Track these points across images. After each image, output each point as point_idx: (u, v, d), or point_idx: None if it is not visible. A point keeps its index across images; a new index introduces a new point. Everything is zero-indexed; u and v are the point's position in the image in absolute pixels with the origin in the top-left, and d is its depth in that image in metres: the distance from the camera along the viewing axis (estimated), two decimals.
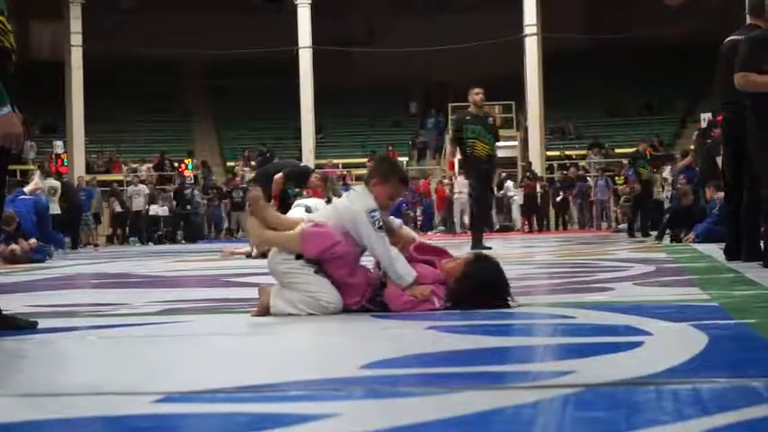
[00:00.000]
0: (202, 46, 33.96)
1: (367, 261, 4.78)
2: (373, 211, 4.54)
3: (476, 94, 13.05)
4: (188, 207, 27.24)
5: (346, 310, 4.60)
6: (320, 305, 4.52)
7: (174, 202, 27.33)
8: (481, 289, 4.56)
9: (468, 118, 12.96)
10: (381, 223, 4.55)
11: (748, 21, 8.07)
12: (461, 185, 28.38)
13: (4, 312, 4.40)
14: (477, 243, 12.47)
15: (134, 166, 31.52)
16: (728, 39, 8.12)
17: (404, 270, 4.56)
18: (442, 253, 4.82)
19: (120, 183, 29.97)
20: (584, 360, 2.97)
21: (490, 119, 13.36)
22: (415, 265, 4.64)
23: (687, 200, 14.33)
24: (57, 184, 20.03)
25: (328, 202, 10.00)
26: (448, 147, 13.41)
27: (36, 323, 4.34)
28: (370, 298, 4.60)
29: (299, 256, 4.56)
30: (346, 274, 4.54)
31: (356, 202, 4.62)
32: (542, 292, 5.89)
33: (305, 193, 13.22)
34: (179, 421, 2.36)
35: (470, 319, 4.21)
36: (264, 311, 4.60)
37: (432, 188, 29.86)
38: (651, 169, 19.04)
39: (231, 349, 3.74)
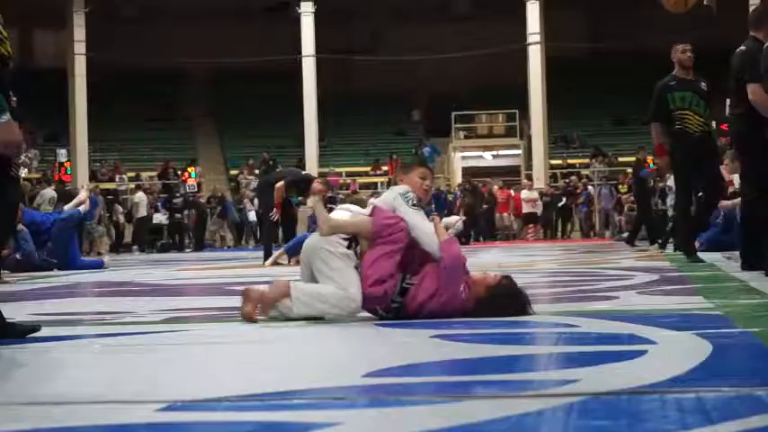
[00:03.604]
0: (205, 54, 34.01)
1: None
2: (405, 192, 4.88)
3: (681, 52, 9.83)
4: (177, 216, 27.10)
5: (346, 318, 4.62)
6: (346, 301, 4.61)
7: (167, 211, 27.11)
8: (507, 298, 4.74)
9: (672, 83, 9.73)
10: (415, 201, 4.86)
11: (750, 33, 8.06)
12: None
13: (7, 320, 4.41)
14: (685, 247, 9.85)
15: (131, 174, 31.56)
16: (738, 50, 8.11)
17: (435, 244, 4.74)
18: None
19: (112, 192, 29.82)
20: (587, 369, 2.97)
21: (703, 83, 9.80)
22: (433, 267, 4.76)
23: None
24: (53, 194, 19.92)
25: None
26: (652, 130, 9.96)
27: (39, 326, 4.37)
28: (387, 305, 4.64)
29: (349, 246, 4.72)
30: (387, 256, 4.66)
31: (392, 191, 5.00)
32: (546, 301, 5.89)
33: (308, 200, 13.21)
34: (183, 430, 2.37)
35: (474, 328, 4.21)
36: (265, 309, 4.73)
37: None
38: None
39: (235, 358, 3.74)
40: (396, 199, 4.83)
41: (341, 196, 28.84)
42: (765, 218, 7.39)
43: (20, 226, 12.32)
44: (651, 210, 18.33)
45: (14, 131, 4.11)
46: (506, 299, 4.73)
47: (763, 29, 7.81)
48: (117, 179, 31.37)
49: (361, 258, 4.71)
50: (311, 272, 4.78)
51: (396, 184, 5.12)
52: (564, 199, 28.35)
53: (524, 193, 28.67)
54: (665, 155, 9.81)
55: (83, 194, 14.45)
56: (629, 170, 22.58)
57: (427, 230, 4.76)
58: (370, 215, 4.83)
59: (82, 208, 13.88)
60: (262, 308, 4.74)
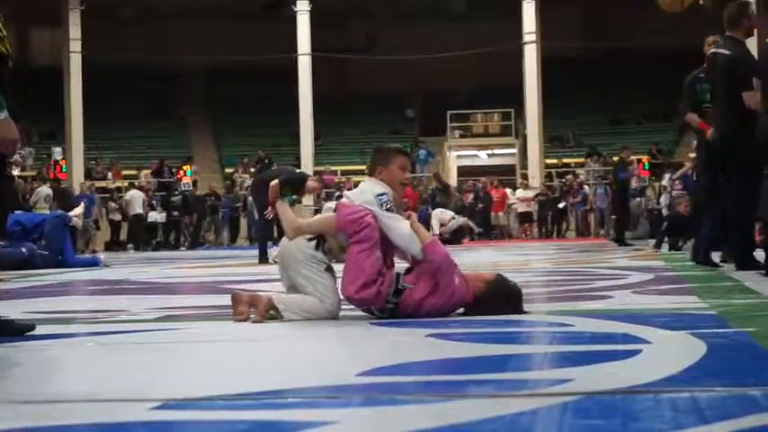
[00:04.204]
0: (201, 53, 33.96)
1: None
2: (381, 194, 4.75)
3: (709, 45, 9.22)
4: (174, 213, 27.04)
5: (345, 316, 4.62)
6: (327, 310, 4.62)
7: (164, 210, 27.05)
8: (504, 298, 4.74)
9: (701, 75, 9.25)
10: (390, 205, 4.74)
11: (726, 33, 8.08)
12: None
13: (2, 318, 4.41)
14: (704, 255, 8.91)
15: (126, 172, 31.47)
16: (711, 51, 8.17)
17: (416, 246, 4.66)
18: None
19: (104, 189, 29.73)
20: (582, 368, 2.97)
21: None
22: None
23: (684, 208, 14.31)
24: (48, 191, 19.97)
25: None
26: (689, 120, 9.28)
27: (34, 324, 4.37)
28: (382, 305, 4.63)
29: (317, 246, 4.68)
30: (364, 255, 4.59)
31: (366, 191, 4.83)
32: (540, 300, 5.89)
33: (303, 199, 13.20)
34: (177, 428, 2.36)
35: (469, 327, 4.21)
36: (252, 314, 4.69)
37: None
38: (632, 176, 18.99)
39: (229, 356, 3.74)
40: (370, 202, 4.72)
41: (339, 194, 28.78)
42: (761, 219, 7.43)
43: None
44: (628, 211, 18.55)
45: (12, 129, 4.11)
46: (504, 296, 4.74)
47: (739, 28, 7.87)
48: (108, 176, 31.28)
49: (329, 254, 4.70)
50: (289, 276, 4.79)
51: (373, 174, 4.97)
52: (563, 202, 28.32)
53: (519, 193, 28.69)
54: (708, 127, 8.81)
55: (78, 210, 15.41)
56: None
57: (405, 232, 4.67)
58: (335, 211, 4.81)
59: (77, 222, 15.01)
60: (255, 313, 4.72)
